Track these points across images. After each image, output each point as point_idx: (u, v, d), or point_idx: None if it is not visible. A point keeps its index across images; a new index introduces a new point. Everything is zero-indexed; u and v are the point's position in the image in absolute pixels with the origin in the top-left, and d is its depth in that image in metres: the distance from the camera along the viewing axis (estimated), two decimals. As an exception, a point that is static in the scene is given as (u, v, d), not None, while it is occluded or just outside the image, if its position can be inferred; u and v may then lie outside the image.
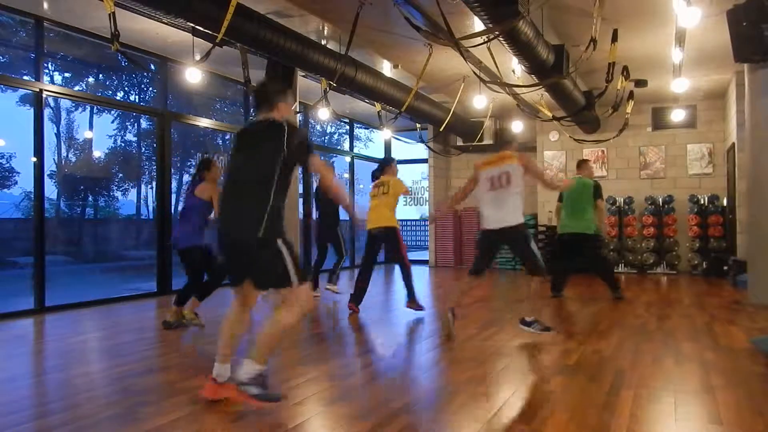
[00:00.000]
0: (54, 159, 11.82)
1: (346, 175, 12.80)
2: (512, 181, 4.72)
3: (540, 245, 11.29)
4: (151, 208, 12.73)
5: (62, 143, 12.34)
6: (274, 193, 2.96)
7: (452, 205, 5.68)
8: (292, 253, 3.00)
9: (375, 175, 6.65)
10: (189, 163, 14.54)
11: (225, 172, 3.25)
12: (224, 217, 3.06)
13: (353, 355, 4.46)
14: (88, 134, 13.64)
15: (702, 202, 10.35)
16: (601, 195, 7.18)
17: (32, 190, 6.68)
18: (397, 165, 6.63)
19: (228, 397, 3.10)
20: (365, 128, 14.49)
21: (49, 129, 10.26)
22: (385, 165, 6.60)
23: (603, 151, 11.11)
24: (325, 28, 7.21)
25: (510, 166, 4.76)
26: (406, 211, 16.47)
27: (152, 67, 8.87)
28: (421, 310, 6.14)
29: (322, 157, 12.68)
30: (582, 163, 7.44)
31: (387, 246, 6.34)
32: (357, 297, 6.24)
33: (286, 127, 3.01)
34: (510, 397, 3.26)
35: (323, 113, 9.11)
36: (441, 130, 9.86)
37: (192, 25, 5.63)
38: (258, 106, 3.22)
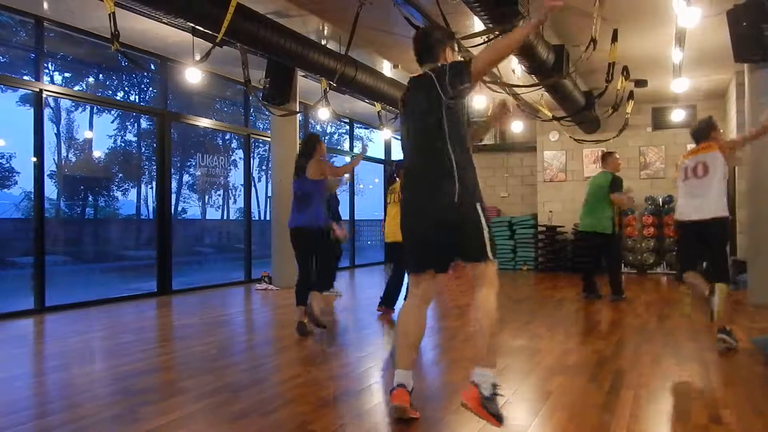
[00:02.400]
0: (54, 159, 11.81)
1: (347, 176, 12.80)
2: (710, 170, 4.43)
3: (540, 245, 11.31)
4: (151, 208, 12.71)
5: (62, 143, 12.32)
6: (451, 148, 2.73)
7: None
8: (488, 222, 2.80)
9: (391, 176, 6.22)
10: (189, 163, 14.53)
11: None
12: (413, 190, 2.86)
13: (353, 354, 4.45)
14: (88, 134, 13.63)
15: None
16: (619, 188, 6.82)
17: (32, 190, 6.68)
18: None
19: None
20: (365, 128, 14.49)
21: (49, 129, 10.24)
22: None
23: (603, 151, 11.11)
24: (325, 28, 7.21)
25: (707, 155, 4.48)
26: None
27: (152, 67, 8.86)
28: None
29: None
30: (607, 156, 7.11)
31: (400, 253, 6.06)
32: (389, 299, 6.05)
33: (440, 69, 2.74)
34: (510, 397, 3.26)
35: (323, 113, 9.12)
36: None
37: (192, 25, 5.63)
38: (420, 59, 2.93)
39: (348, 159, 12.98)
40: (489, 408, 2.59)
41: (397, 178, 6.05)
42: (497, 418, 2.59)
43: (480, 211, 2.76)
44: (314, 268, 5.17)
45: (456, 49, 3.00)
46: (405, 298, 3.12)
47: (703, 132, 4.66)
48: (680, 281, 4.63)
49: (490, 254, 2.76)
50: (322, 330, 4.99)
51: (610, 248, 6.92)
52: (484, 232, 2.75)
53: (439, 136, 2.74)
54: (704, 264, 4.84)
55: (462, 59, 2.82)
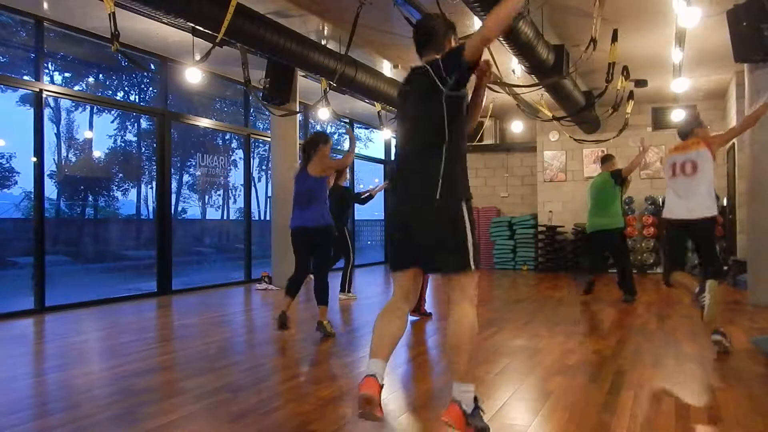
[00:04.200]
0: (54, 159, 11.79)
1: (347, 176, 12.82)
2: (699, 169, 4.36)
3: (540, 245, 11.31)
4: (151, 208, 12.71)
5: (62, 143, 12.31)
6: (446, 150, 2.55)
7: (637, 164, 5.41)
8: (473, 228, 2.58)
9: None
10: (189, 163, 14.53)
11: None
12: (398, 187, 2.70)
13: (353, 355, 4.45)
14: (88, 134, 13.62)
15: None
16: (621, 178, 6.91)
17: (32, 190, 6.68)
18: None
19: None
20: (365, 128, 14.49)
21: (49, 129, 10.24)
22: None
23: (603, 151, 11.10)
24: (325, 28, 7.21)
25: (697, 153, 4.40)
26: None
27: (152, 67, 8.86)
28: (427, 317, 5.91)
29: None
30: (606, 159, 7.22)
31: None
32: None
33: (435, 61, 2.57)
34: (510, 397, 3.26)
35: (323, 113, 9.12)
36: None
37: (192, 25, 5.63)
38: (421, 48, 2.76)
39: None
40: (474, 424, 2.49)
41: None
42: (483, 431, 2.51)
43: (465, 212, 2.55)
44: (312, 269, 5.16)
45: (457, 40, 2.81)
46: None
47: (689, 128, 4.66)
48: (668, 283, 4.56)
49: (472, 264, 2.55)
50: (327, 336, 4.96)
51: (623, 244, 6.96)
52: (468, 236, 2.54)
53: (433, 130, 2.56)
54: (696, 261, 4.84)
55: (455, 45, 2.72)
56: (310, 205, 5.02)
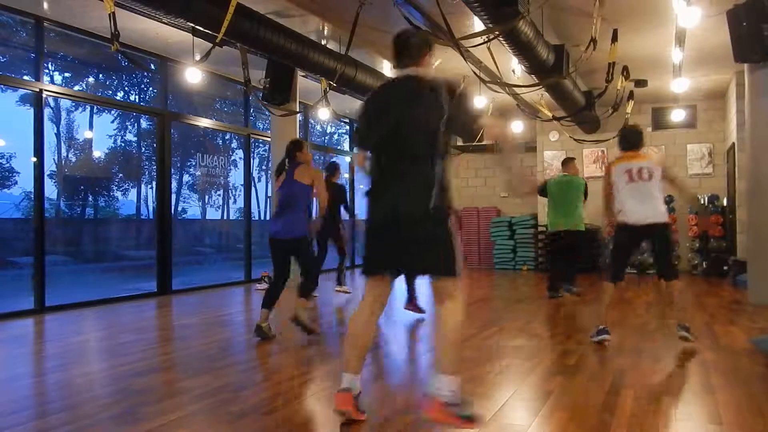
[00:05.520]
0: (54, 159, 11.81)
1: (346, 175, 12.80)
2: (653, 176, 4.49)
3: (540, 245, 11.31)
4: (151, 208, 12.72)
5: (62, 143, 12.33)
6: (440, 160, 2.71)
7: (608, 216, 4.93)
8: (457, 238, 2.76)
9: None
10: (189, 163, 14.54)
11: (376, 142, 2.84)
12: (386, 191, 2.75)
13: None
14: (88, 134, 13.64)
15: (702, 202, 10.35)
16: (587, 194, 7.14)
17: (32, 190, 6.68)
18: None
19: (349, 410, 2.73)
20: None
21: (49, 129, 10.25)
22: None
23: (603, 151, 11.11)
24: (325, 28, 7.21)
25: (649, 163, 4.55)
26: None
27: (152, 67, 8.86)
28: (422, 312, 5.92)
29: (323, 157, 12.69)
30: (568, 161, 7.30)
31: None
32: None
33: (443, 85, 2.71)
34: (510, 397, 3.26)
35: (323, 113, 9.13)
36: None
37: (192, 25, 5.63)
38: (398, 59, 2.86)
39: (347, 159, 12.99)
40: (459, 412, 2.54)
41: None
42: (470, 419, 2.56)
43: (451, 226, 2.73)
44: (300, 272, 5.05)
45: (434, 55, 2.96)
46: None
47: (639, 139, 4.71)
48: (614, 282, 4.61)
49: (458, 270, 2.72)
50: (312, 335, 4.88)
51: (583, 245, 7.10)
52: (455, 243, 2.72)
53: (432, 140, 2.69)
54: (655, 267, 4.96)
55: (474, 116, 2.87)
56: (290, 212, 4.87)
